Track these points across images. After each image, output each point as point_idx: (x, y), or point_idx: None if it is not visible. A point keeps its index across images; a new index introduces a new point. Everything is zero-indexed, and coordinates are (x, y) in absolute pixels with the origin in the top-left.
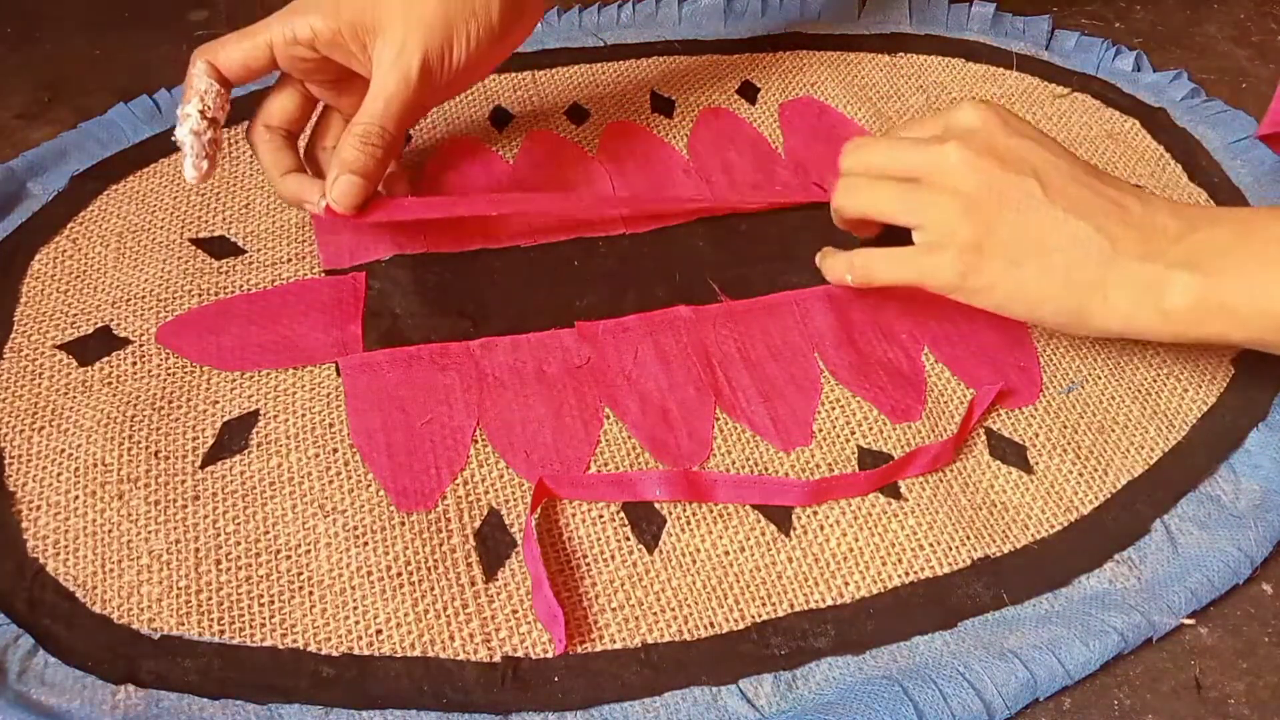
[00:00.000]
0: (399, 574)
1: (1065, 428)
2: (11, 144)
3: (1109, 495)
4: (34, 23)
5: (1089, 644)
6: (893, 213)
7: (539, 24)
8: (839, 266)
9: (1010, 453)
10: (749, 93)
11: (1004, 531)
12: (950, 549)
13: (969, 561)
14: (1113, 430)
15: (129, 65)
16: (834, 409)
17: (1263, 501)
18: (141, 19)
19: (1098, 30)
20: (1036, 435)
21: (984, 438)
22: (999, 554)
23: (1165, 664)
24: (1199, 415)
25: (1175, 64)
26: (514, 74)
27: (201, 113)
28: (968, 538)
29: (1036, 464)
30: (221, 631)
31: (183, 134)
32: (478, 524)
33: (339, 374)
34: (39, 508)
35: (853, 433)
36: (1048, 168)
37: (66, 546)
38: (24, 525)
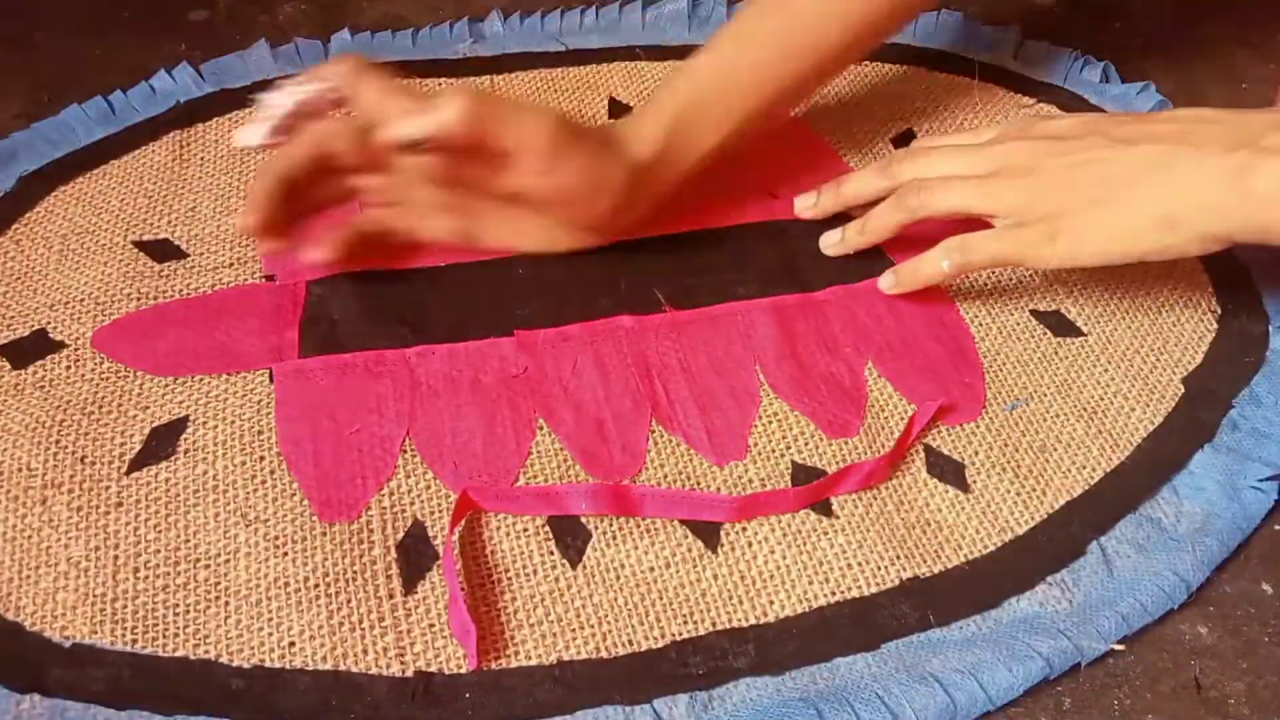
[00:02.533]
0: (316, 585)
1: (1006, 445)
2: None
3: (1046, 515)
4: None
5: (1012, 669)
6: (971, 205)
7: (500, 28)
8: (931, 262)
9: (948, 470)
10: None
11: (935, 551)
12: (879, 568)
13: (898, 581)
14: (1055, 449)
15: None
16: (771, 423)
17: (1203, 525)
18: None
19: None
20: (976, 453)
21: (923, 454)
22: (929, 574)
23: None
24: (1144, 435)
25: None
26: (472, 78)
27: (307, 102)
28: (898, 557)
29: (974, 482)
30: (134, 641)
31: (279, 102)
32: (400, 535)
33: (272, 380)
34: None
35: (788, 448)
36: (1105, 123)
37: None
38: None
